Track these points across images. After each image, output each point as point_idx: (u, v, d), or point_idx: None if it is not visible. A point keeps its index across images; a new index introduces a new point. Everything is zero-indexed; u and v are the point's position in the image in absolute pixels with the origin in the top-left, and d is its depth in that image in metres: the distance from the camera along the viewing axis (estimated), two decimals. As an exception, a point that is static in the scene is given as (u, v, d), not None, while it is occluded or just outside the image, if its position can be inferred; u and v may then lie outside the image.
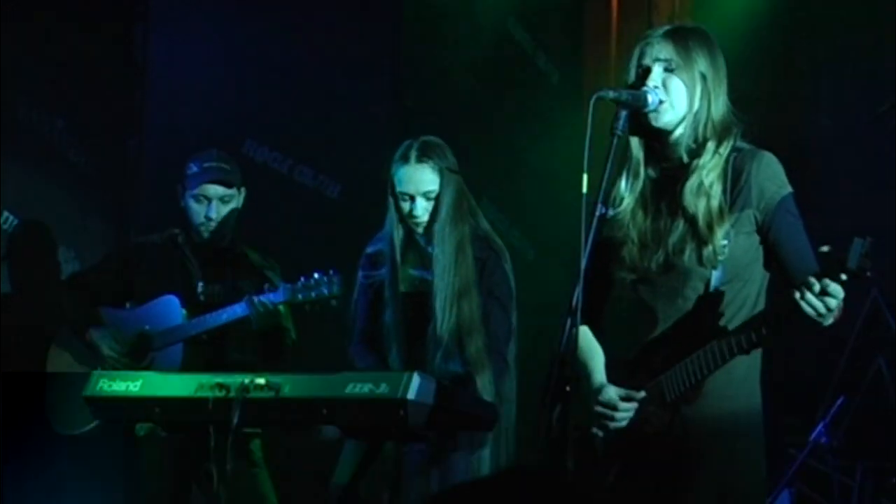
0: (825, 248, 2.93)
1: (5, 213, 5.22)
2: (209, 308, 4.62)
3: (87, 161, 5.58)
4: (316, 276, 4.44)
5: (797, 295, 2.94)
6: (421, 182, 4.21)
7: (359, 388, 3.50)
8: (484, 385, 4.14)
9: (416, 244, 4.31)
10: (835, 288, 2.90)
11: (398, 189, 4.23)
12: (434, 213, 4.21)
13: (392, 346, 4.29)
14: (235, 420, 3.54)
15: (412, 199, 4.22)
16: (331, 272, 4.43)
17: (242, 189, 4.82)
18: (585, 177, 3.02)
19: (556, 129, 6.98)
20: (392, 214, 4.29)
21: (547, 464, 3.06)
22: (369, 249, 4.41)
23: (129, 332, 4.71)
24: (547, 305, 4.25)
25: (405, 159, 4.21)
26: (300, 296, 4.46)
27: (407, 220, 4.25)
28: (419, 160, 4.20)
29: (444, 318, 4.17)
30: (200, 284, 4.76)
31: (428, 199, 4.21)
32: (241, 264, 4.80)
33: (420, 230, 4.26)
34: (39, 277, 5.37)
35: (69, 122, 5.51)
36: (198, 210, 4.73)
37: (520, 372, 4.26)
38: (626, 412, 3.21)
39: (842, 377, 5.96)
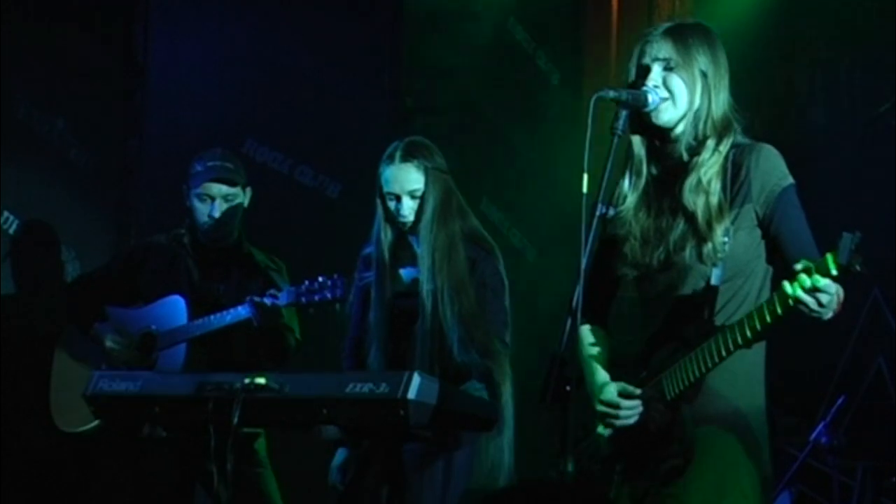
0: (799, 266, 2.93)
1: (6, 214, 5.23)
2: (214, 308, 4.63)
3: (87, 161, 5.59)
4: (320, 279, 4.44)
5: (789, 290, 2.94)
6: (406, 181, 4.23)
7: (359, 387, 3.50)
8: (500, 367, 4.16)
9: (409, 244, 4.33)
10: (825, 283, 2.90)
11: (385, 189, 4.26)
12: (419, 213, 4.23)
13: (373, 345, 4.31)
14: (236, 420, 3.55)
15: (398, 198, 4.25)
16: (335, 276, 4.44)
17: (248, 189, 4.82)
18: (586, 176, 3.03)
19: (556, 129, 6.99)
20: (380, 215, 4.32)
21: (546, 464, 3.07)
22: (364, 251, 4.42)
23: (134, 331, 4.71)
24: (547, 305, 4.27)
25: (391, 159, 4.25)
26: (304, 299, 4.46)
27: (395, 219, 4.27)
28: (404, 160, 4.23)
29: (445, 313, 4.18)
30: (205, 285, 4.77)
31: (413, 197, 4.23)
32: (247, 264, 4.80)
33: (407, 229, 4.28)
34: (40, 278, 5.37)
35: (69, 122, 5.51)
36: (202, 209, 4.74)
37: (520, 372, 4.26)
38: (630, 409, 3.21)
39: (842, 377, 5.97)
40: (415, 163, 4.23)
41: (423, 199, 4.23)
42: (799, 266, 2.92)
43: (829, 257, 2.87)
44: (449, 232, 4.24)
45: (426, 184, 4.23)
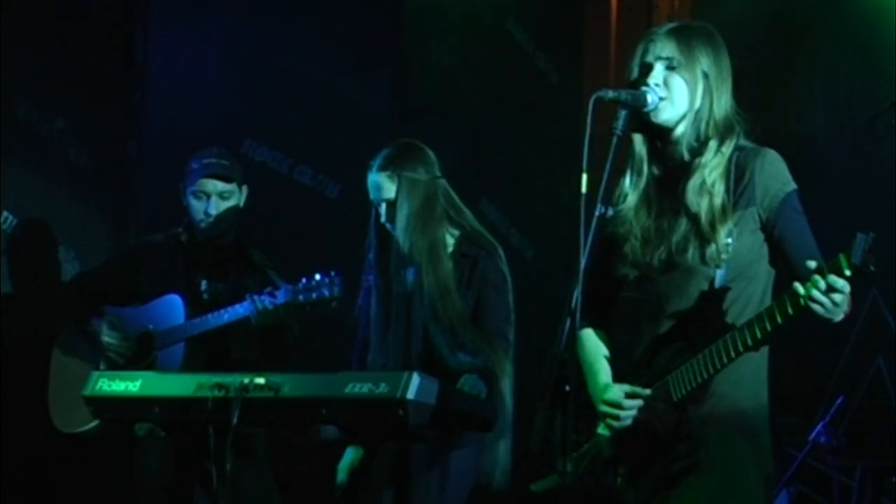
0: (812, 264, 2.93)
1: (5, 213, 5.23)
2: (212, 307, 4.63)
3: (87, 161, 5.58)
4: (317, 277, 4.45)
5: (802, 291, 2.93)
6: (380, 190, 4.30)
7: (358, 387, 3.51)
8: (499, 364, 4.17)
9: None
10: (840, 283, 2.90)
11: (370, 196, 4.33)
12: (394, 220, 4.25)
13: (372, 342, 4.36)
14: (235, 420, 3.55)
15: (378, 205, 4.30)
16: (332, 273, 4.44)
17: (244, 187, 4.82)
18: (585, 176, 3.03)
19: (556, 129, 6.99)
20: (373, 217, 4.37)
21: (546, 465, 3.07)
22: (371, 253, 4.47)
23: (132, 330, 4.71)
24: (546, 305, 4.27)
25: (370, 168, 4.34)
26: (301, 297, 4.46)
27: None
28: (379, 169, 4.30)
29: (430, 317, 4.20)
30: (203, 283, 4.78)
31: (389, 206, 4.28)
32: (245, 263, 4.80)
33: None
34: (39, 277, 5.37)
35: (69, 122, 5.51)
36: (197, 207, 4.74)
37: (520, 372, 4.26)
38: (630, 410, 3.21)
39: (842, 377, 5.96)
40: (387, 172, 4.28)
41: (395, 207, 4.26)
42: (812, 266, 2.92)
43: (843, 257, 2.87)
44: (430, 238, 4.27)
45: (397, 193, 4.26)
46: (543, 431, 3.04)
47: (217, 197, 4.74)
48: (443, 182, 4.35)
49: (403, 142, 4.42)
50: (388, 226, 4.30)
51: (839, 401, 5.56)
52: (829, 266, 2.89)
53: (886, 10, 6.23)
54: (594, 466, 3.31)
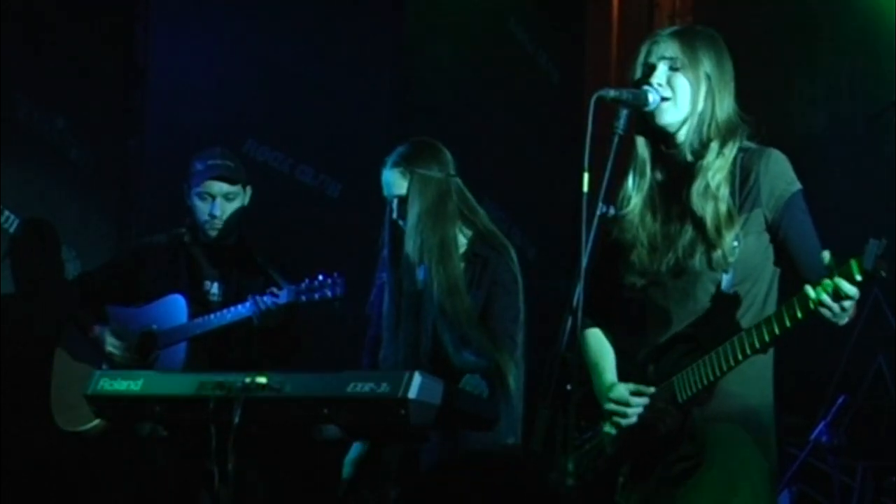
0: (827, 255, 2.93)
1: (6, 213, 5.22)
2: (214, 307, 4.64)
3: (87, 160, 5.58)
4: (320, 277, 4.45)
5: (812, 295, 2.93)
6: (393, 186, 4.30)
7: (360, 387, 3.50)
8: (504, 365, 4.18)
9: None
10: (849, 289, 2.89)
11: (384, 192, 4.33)
12: (406, 217, 4.25)
13: (384, 338, 4.37)
14: (236, 420, 3.55)
15: (391, 202, 4.30)
16: (335, 275, 4.44)
17: (248, 188, 4.83)
18: (586, 176, 3.03)
19: (557, 129, 6.99)
20: (387, 214, 4.37)
21: (548, 463, 3.07)
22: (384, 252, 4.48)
23: (134, 330, 4.72)
24: (547, 305, 4.27)
25: (384, 164, 4.34)
26: (304, 297, 4.46)
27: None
28: (392, 165, 4.31)
29: (438, 314, 4.21)
30: (206, 284, 4.78)
31: (402, 202, 4.29)
32: (247, 263, 4.81)
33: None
34: (41, 277, 5.37)
35: (69, 122, 5.51)
36: (202, 208, 4.75)
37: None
38: (637, 408, 3.21)
39: (843, 376, 5.96)
40: (400, 169, 4.29)
41: (407, 203, 4.26)
42: (826, 258, 2.91)
43: (854, 263, 2.87)
44: (440, 236, 4.27)
45: (409, 189, 4.26)
46: (545, 431, 3.04)
47: (222, 198, 4.74)
48: (457, 181, 4.35)
49: (419, 139, 4.42)
50: (400, 223, 4.30)
51: (840, 400, 5.56)
52: (841, 271, 2.89)
53: (886, 10, 6.23)
54: (596, 465, 3.31)
